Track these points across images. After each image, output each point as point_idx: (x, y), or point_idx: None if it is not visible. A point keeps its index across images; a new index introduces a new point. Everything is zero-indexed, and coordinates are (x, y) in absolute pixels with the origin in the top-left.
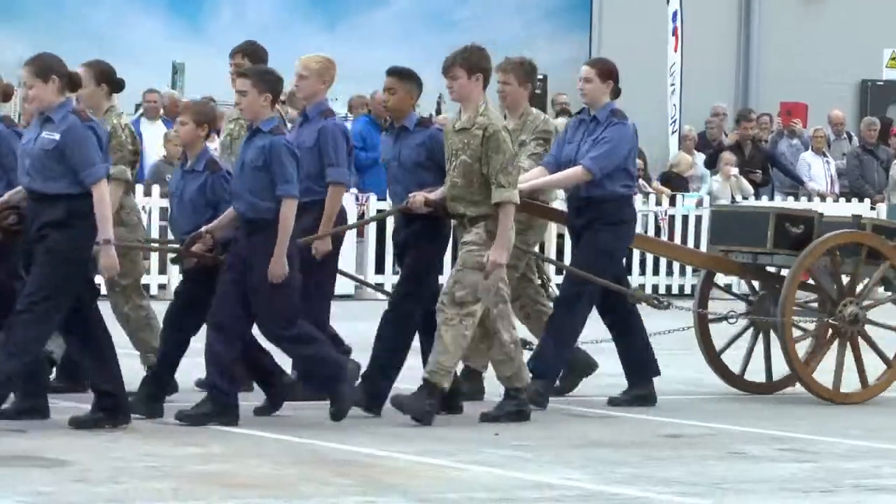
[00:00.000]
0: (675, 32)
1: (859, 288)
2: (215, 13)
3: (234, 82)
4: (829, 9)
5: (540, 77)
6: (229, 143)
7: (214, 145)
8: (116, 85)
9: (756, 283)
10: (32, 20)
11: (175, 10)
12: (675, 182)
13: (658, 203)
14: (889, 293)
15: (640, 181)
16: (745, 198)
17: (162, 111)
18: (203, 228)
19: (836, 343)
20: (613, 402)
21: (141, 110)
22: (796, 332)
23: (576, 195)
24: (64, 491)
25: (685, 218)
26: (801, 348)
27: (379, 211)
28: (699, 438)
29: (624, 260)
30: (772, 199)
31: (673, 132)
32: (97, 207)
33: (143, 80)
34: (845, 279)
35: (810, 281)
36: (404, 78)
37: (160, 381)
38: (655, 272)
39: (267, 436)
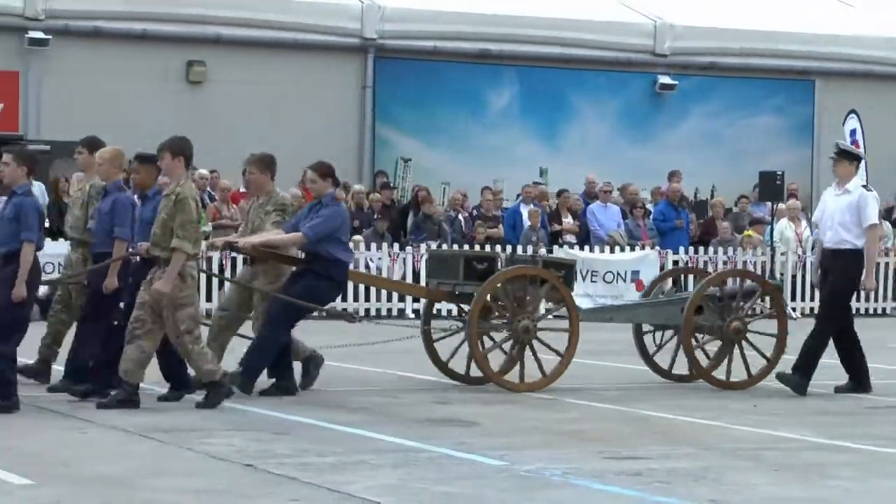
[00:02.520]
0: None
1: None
2: (569, 132)
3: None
4: None
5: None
6: None
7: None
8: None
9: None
10: (451, 138)
11: (542, 134)
12: None
13: None
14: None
15: None
16: None
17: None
18: None
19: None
20: (838, 389)
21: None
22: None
23: None
24: (478, 444)
25: None
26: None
27: None
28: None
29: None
30: None
31: None
32: None
33: (522, 179)
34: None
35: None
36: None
37: None
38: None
39: (600, 406)
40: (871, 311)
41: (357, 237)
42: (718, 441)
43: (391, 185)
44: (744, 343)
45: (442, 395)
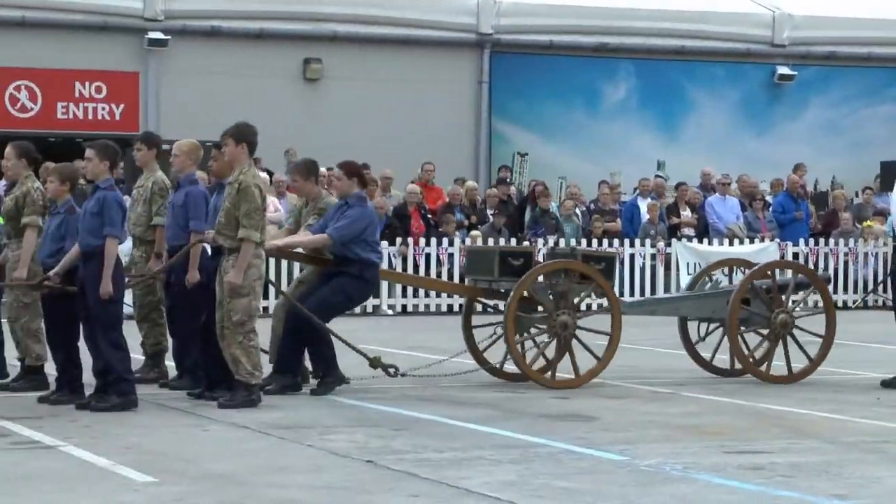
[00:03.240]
0: None
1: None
2: (686, 125)
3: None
4: None
5: None
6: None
7: None
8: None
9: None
10: (567, 132)
11: (657, 122)
12: None
13: None
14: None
15: None
16: None
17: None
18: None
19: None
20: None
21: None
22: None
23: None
24: (598, 438)
25: None
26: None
27: None
28: None
29: None
30: None
31: None
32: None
33: (639, 172)
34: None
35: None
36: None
37: None
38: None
39: (718, 399)
40: None
41: (475, 232)
42: (840, 434)
43: (511, 180)
44: (789, 338)
45: (560, 391)
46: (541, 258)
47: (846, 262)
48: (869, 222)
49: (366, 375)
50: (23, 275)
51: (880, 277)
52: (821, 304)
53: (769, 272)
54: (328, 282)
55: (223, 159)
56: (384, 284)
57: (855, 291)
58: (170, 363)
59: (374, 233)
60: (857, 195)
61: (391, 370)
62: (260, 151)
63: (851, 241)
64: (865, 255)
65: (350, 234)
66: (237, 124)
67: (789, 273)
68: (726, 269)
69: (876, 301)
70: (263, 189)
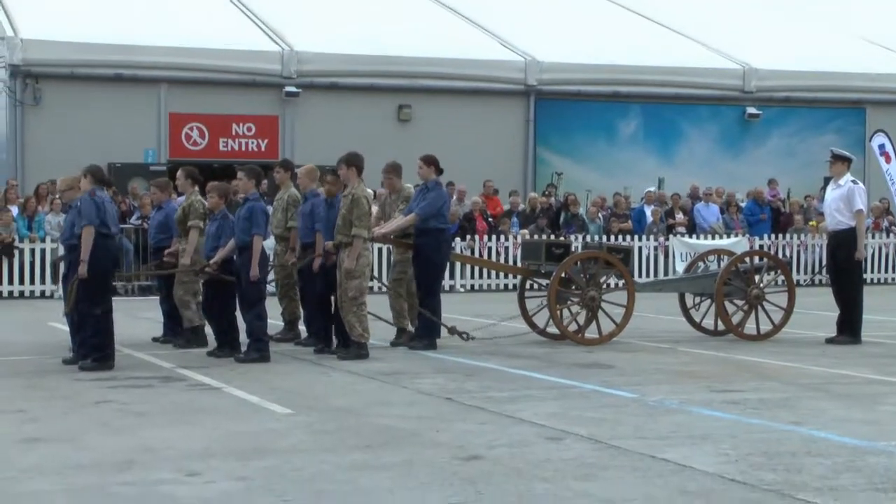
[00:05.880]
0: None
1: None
2: (679, 151)
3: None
4: None
5: None
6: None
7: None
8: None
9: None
10: (592, 157)
11: (658, 149)
12: None
13: None
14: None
15: None
16: None
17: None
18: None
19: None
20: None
21: (643, 200)
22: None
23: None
24: (616, 381)
25: None
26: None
27: None
28: None
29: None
30: None
31: None
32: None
33: (644, 186)
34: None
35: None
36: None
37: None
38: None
39: (706, 353)
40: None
41: (523, 231)
42: (796, 378)
43: (549, 193)
44: (760, 308)
45: (588, 348)
46: (576, 249)
47: (798, 251)
48: (814, 222)
49: (445, 336)
50: (187, 262)
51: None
52: (783, 282)
53: (746, 259)
54: (417, 262)
55: (336, 181)
56: (458, 267)
57: (805, 273)
58: (302, 328)
59: (448, 208)
60: (804, 201)
61: (464, 335)
62: (365, 173)
63: (802, 235)
64: (812, 245)
65: (431, 211)
66: (349, 153)
67: (757, 259)
68: (713, 257)
69: (820, 280)
70: (369, 200)
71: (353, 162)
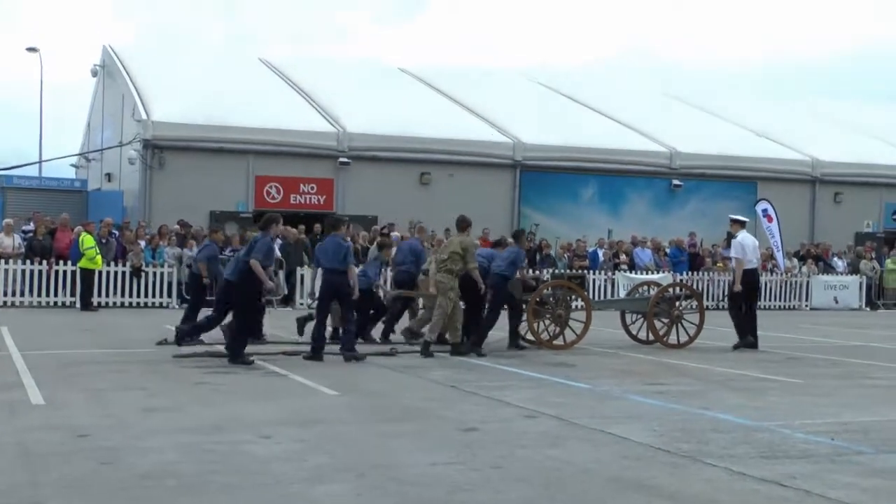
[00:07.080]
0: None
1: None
2: (624, 210)
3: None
4: None
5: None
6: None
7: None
8: None
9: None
10: (561, 213)
11: (608, 209)
12: None
13: None
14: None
15: None
16: None
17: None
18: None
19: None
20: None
21: (596, 245)
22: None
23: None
24: (577, 376)
25: None
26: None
27: None
28: None
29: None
30: None
31: None
32: None
33: (597, 235)
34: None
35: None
36: None
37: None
38: None
39: (641, 356)
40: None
41: None
42: (706, 376)
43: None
44: (680, 324)
45: (556, 352)
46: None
47: (707, 284)
48: (720, 264)
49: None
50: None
51: (724, 294)
52: (696, 306)
53: (670, 289)
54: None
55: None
56: None
57: (712, 300)
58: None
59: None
60: (712, 248)
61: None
62: (395, 220)
63: (711, 273)
64: (718, 280)
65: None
66: (461, 216)
67: (678, 290)
68: (646, 287)
69: (723, 307)
70: (474, 244)
71: (467, 224)
